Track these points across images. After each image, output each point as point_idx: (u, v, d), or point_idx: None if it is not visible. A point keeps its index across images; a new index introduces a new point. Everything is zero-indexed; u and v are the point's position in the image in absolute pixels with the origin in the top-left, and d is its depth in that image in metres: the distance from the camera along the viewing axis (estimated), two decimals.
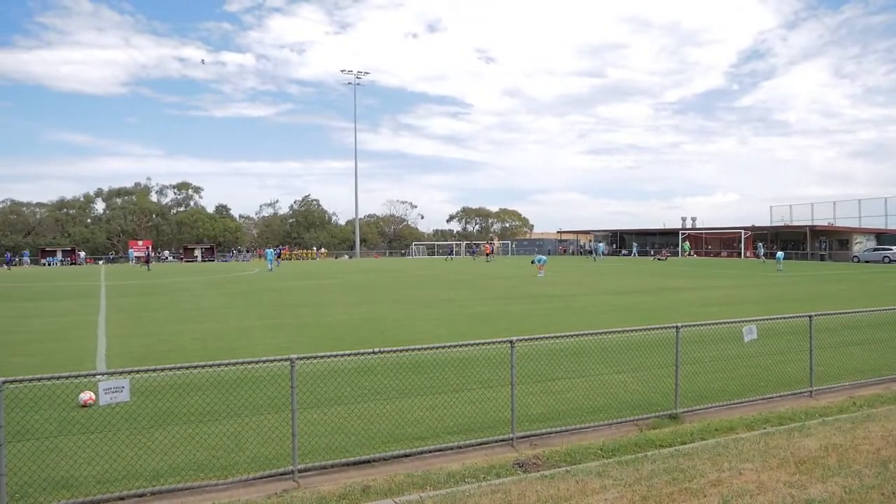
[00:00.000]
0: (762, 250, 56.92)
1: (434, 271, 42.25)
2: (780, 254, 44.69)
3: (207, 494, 5.92)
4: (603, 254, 67.68)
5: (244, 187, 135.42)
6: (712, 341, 11.70)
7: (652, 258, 63.26)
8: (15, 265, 62.01)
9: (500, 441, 7.33)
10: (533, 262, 38.19)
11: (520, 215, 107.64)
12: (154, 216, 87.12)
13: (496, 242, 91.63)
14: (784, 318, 11.06)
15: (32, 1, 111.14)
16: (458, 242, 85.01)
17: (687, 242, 66.14)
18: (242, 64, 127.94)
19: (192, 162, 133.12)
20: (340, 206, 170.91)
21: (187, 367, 6.60)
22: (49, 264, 63.68)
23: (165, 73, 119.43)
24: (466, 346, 8.28)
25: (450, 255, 70.17)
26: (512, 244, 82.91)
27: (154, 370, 6.37)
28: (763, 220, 71.84)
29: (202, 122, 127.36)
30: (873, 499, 5.01)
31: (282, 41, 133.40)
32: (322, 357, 7.23)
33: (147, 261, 54.09)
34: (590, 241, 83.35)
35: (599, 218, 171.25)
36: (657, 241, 74.80)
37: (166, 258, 73.67)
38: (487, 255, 62.60)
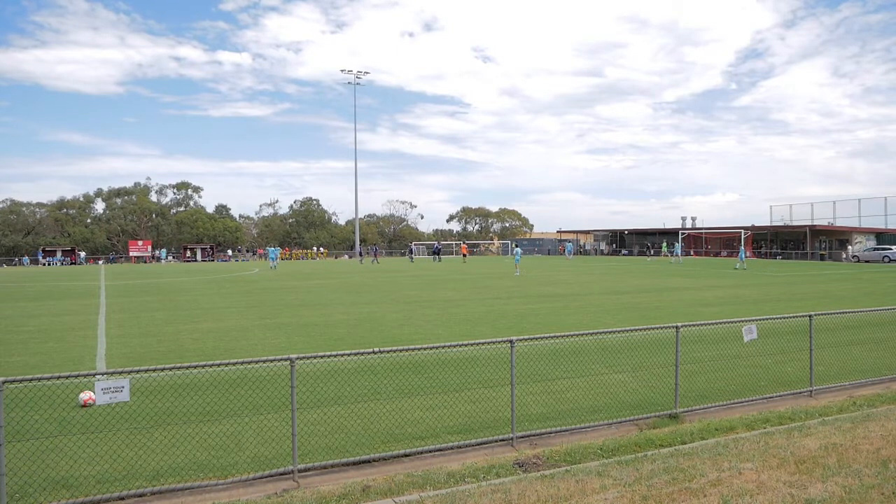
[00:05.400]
0: (678, 248, 56.49)
1: (433, 271, 42.26)
2: (742, 252, 44.70)
3: (207, 494, 5.92)
4: (571, 253, 67.35)
5: (243, 187, 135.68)
6: (712, 341, 11.71)
7: (658, 257, 63.43)
8: (15, 265, 62.15)
9: (500, 441, 7.33)
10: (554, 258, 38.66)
11: (519, 215, 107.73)
12: (154, 216, 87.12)
13: (496, 242, 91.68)
14: (784, 318, 11.06)
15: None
16: (458, 242, 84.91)
17: (665, 242, 65.43)
18: (239, 63, 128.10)
19: (191, 162, 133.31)
20: (339, 205, 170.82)
21: (187, 367, 6.60)
22: (49, 264, 63.72)
23: (162, 72, 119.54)
24: (466, 345, 8.27)
25: (436, 254, 68.07)
26: (512, 244, 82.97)
27: (154, 370, 6.36)
28: (763, 220, 72.00)
29: (200, 122, 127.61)
30: (873, 498, 5.01)
31: (278, 40, 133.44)
32: (322, 357, 7.22)
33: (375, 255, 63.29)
34: (586, 241, 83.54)
35: (599, 218, 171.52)
36: (657, 241, 74.90)
37: (167, 258, 73.77)
38: (464, 255, 62.77)
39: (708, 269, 41.63)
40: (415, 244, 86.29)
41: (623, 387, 9.53)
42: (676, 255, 55.34)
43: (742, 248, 46.45)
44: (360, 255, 66.51)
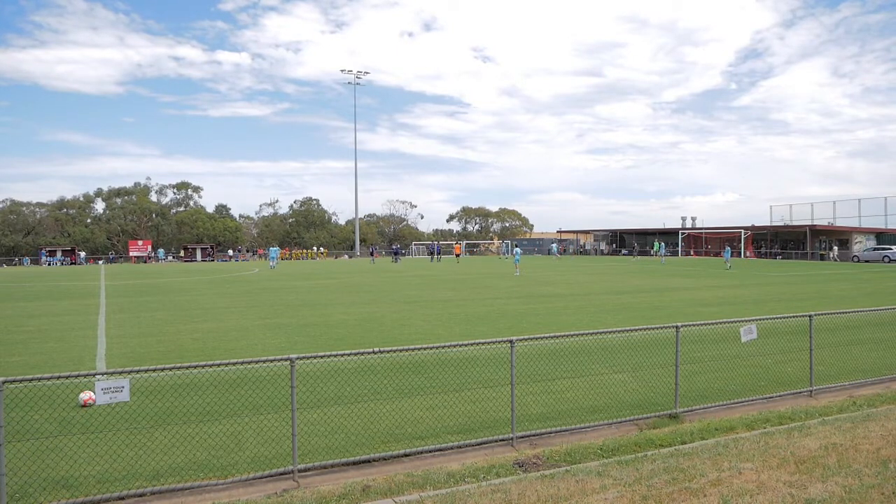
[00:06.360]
0: (663, 250, 55.99)
1: (432, 272, 42.27)
2: (728, 251, 44.55)
3: (207, 494, 5.92)
4: (557, 253, 67.46)
5: (243, 187, 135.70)
6: (712, 341, 11.72)
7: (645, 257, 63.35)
8: (15, 265, 62.21)
9: (500, 441, 7.33)
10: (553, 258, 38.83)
11: (520, 215, 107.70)
12: (154, 216, 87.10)
13: (496, 242, 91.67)
14: (784, 317, 11.06)
15: None
16: (455, 242, 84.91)
17: (656, 241, 65.30)
18: (238, 63, 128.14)
19: (191, 161, 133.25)
20: (339, 205, 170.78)
21: (187, 367, 6.59)
22: (50, 264, 63.73)
23: (161, 72, 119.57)
24: (466, 345, 8.27)
25: (436, 254, 68.17)
26: (511, 244, 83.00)
27: (154, 370, 6.36)
28: (763, 220, 71.99)
29: (199, 122, 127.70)
30: (873, 498, 5.01)
31: (277, 40, 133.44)
32: (322, 357, 7.22)
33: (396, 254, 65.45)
34: (586, 241, 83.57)
35: (599, 218, 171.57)
36: (642, 242, 75.12)
37: (166, 258, 73.84)
38: (457, 255, 62.78)
39: (707, 269, 41.59)
40: (415, 244, 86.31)
41: (623, 387, 9.53)
42: (662, 255, 55.30)
43: (728, 248, 46.32)
44: (372, 254, 66.16)
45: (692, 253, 68.64)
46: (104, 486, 5.93)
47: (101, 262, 70.26)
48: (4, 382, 5.46)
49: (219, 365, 6.69)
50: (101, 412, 7.79)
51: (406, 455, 6.89)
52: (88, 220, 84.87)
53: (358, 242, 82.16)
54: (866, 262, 53.35)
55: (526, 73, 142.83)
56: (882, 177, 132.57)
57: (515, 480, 5.82)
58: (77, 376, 6.09)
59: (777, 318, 11.34)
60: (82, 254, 70.41)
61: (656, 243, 64.35)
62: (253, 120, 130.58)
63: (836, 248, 56.86)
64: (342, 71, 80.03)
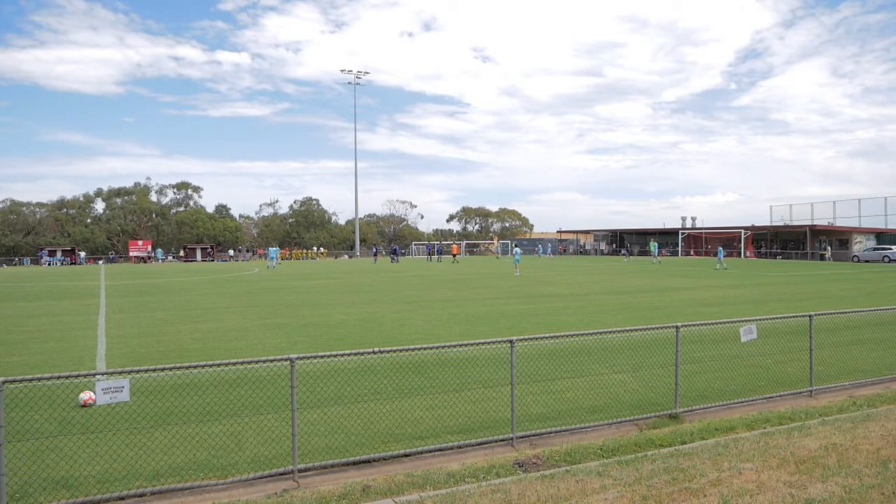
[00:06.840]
0: (657, 250, 56.07)
1: (432, 272, 42.27)
2: (720, 251, 44.53)
3: (207, 494, 5.92)
4: (547, 253, 68.18)
5: (243, 187, 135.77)
6: (712, 341, 11.71)
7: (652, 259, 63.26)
8: (15, 265, 62.21)
9: (500, 441, 7.33)
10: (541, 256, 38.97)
11: (520, 215, 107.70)
12: (154, 216, 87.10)
13: (496, 242, 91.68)
14: (784, 317, 11.06)
15: None
16: (459, 242, 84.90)
17: (651, 242, 65.41)
18: (238, 63, 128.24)
19: (191, 162, 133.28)
20: (339, 205, 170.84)
21: (187, 367, 6.59)
22: (50, 264, 63.73)
23: (161, 72, 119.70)
24: (466, 345, 8.27)
25: (436, 254, 68.09)
26: (511, 244, 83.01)
27: (154, 370, 6.36)
28: (763, 220, 72.01)
29: (199, 122, 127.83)
30: (873, 498, 5.00)
31: (277, 40, 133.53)
32: (322, 357, 7.22)
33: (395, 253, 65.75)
34: (586, 241, 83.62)
35: (599, 218, 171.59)
36: (632, 243, 75.30)
37: (166, 258, 73.84)
38: (454, 255, 62.78)
39: (706, 269, 41.57)
40: (415, 244, 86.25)
41: (623, 387, 9.53)
42: (655, 256, 55.32)
43: (721, 248, 46.35)
44: (375, 254, 65.80)
45: (692, 253, 68.63)
46: (104, 486, 5.93)
47: (100, 262, 70.25)
48: (4, 382, 5.46)
49: (219, 365, 6.69)
50: (101, 412, 7.79)
51: (406, 455, 6.89)
52: (88, 220, 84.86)
53: (358, 242, 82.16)
54: (866, 262, 53.34)
55: (526, 73, 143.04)
56: (882, 177, 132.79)
57: (515, 480, 5.82)
58: (77, 376, 6.09)
59: (777, 318, 11.33)
60: (82, 254, 70.42)
61: (651, 243, 64.40)
62: (253, 120, 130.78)
63: (829, 248, 56.87)
64: (342, 71, 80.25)
